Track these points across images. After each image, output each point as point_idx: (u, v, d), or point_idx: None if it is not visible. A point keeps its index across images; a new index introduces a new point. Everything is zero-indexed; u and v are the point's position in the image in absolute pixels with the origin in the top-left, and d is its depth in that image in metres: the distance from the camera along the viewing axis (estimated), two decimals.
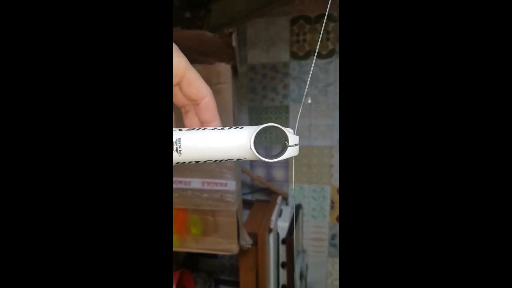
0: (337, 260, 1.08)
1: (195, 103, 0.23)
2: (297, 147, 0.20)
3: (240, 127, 0.20)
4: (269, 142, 1.07)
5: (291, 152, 0.20)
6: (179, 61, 0.21)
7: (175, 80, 0.21)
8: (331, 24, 0.95)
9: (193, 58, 0.23)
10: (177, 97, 0.22)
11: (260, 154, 0.20)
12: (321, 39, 0.97)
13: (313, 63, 0.19)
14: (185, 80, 0.21)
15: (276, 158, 0.20)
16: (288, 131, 0.20)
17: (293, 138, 0.20)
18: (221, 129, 0.20)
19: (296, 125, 0.23)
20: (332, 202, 1.05)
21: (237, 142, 0.20)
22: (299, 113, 0.23)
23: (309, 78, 0.19)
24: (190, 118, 0.23)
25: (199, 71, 0.22)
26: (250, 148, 0.19)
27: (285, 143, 0.20)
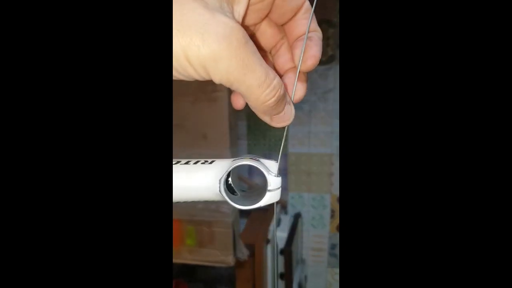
0: (337, 270, 1.05)
1: (291, 18, 0.17)
2: (279, 190, 0.17)
3: (209, 161, 0.17)
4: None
5: (270, 197, 0.17)
6: None
7: (290, 14, 0.17)
8: (331, 30, 0.94)
9: None
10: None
11: (236, 191, 0.17)
12: None
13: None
14: (304, 9, 0.17)
15: (252, 205, 0.17)
16: (268, 172, 0.17)
17: (274, 182, 0.16)
18: (186, 162, 0.17)
19: (280, 153, 0.19)
20: (332, 211, 1.02)
21: (204, 182, 0.17)
22: (283, 138, 0.21)
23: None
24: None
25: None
26: (219, 191, 0.16)
27: (265, 185, 0.17)
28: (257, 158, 0.17)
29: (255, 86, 0.14)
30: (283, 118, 0.17)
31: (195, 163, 0.17)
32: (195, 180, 0.17)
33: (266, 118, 0.17)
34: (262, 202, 0.16)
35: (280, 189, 0.17)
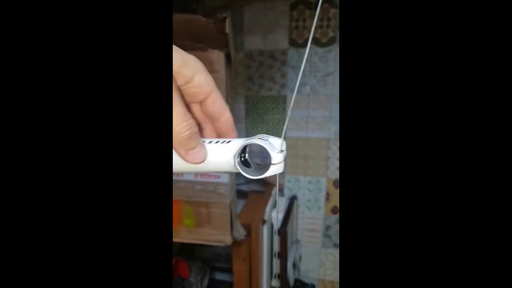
0: (330, 250, 1.09)
1: (214, 119, 0.24)
2: (282, 164, 0.20)
3: (227, 140, 0.21)
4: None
5: (274, 170, 0.20)
6: (209, 80, 0.22)
7: (202, 97, 0.22)
8: (332, 11, 0.91)
9: (184, 45, 0.23)
10: (196, 114, 0.24)
11: (250, 163, 0.21)
12: (321, 26, 0.93)
13: (306, 52, 0.19)
14: (211, 98, 0.22)
15: (259, 175, 0.20)
16: (272, 149, 0.19)
17: (276, 157, 0.19)
18: (209, 142, 0.21)
19: (283, 134, 0.22)
20: (327, 194, 1.04)
21: (223, 157, 0.20)
22: (287, 119, 0.23)
23: (301, 69, 0.20)
24: (207, 131, 0.25)
25: None
26: (234, 165, 0.20)
27: (270, 160, 0.20)
28: (266, 138, 0.21)
29: (175, 118, 0.19)
30: (196, 155, 0.20)
31: (216, 142, 0.21)
32: (216, 155, 0.20)
33: (181, 152, 0.20)
34: (268, 173, 0.20)
35: (283, 162, 0.20)
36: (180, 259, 0.98)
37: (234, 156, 0.20)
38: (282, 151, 0.20)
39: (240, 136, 0.23)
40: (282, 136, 0.20)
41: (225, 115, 0.24)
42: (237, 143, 0.20)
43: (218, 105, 0.23)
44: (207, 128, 0.25)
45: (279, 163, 0.19)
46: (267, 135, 0.21)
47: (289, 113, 0.23)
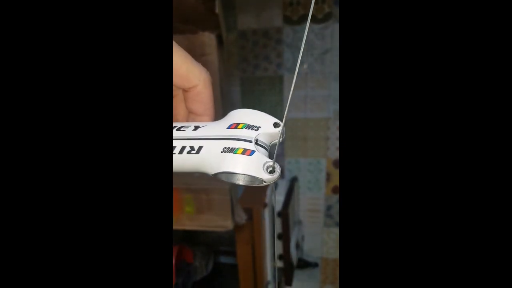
0: (333, 229, 1.10)
1: (183, 89, 0.20)
2: (277, 176, 0.17)
3: (196, 149, 0.18)
4: None
5: (267, 182, 0.17)
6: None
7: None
8: None
9: (173, 27, 0.20)
10: None
11: None
12: (316, 1, 0.88)
13: (306, 30, 0.17)
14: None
15: (248, 182, 0.17)
16: (264, 165, 0.16)
17: (269, 179, 0.16)
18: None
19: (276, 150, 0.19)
20: (328, 174, 1.04)
21: (196, 169, 0.17)
22: (287, 104, 0.21)
23: (301, 49, 0.16)
24: (174, 104, 0.21)
25: (180, 43, 0.19)
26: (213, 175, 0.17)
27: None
28: (255, 128, 0.17)
29: None
30: None
31: (181, 151, 0.17)
32: (186, 168, 0.17)
33: None
34: (259, 184, 0.17)
35: (279, 174, 0.17)
36: (183, 246, 0.99)
37: (212, 174, 0.17)
38: (274, 168, 0.16)
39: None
40: (280, 134, 0.17)
41: (195, 88, 0.20)
42: (210, 154, 0.16)
43: (180, 74, 0.19)
44: (177, 98, 0.21)
45: (273, 179, 0.16)
46: (258, 117, 0.17)
47: (290, 96, 0.19)
